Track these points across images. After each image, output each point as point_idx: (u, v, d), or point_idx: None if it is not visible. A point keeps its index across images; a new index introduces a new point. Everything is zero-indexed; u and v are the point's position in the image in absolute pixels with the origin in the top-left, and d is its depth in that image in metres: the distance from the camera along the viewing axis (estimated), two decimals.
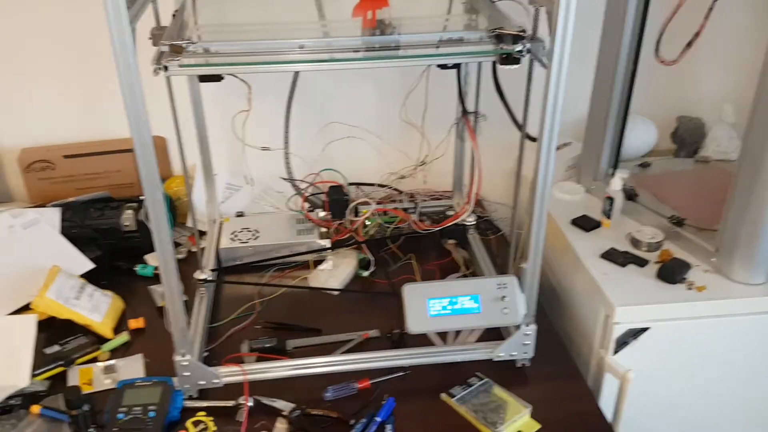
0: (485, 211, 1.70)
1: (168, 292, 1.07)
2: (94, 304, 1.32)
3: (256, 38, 1.02)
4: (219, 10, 1.21)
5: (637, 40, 1.40)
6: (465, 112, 1.40)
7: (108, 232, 1.48)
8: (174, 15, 1.13)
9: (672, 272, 1.29)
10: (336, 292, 1.42)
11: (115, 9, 0.84)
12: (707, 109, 1.76)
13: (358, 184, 1.74)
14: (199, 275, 1.36)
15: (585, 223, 1.46)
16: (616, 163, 1.57)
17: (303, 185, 1.62)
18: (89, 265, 1.41)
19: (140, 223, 1.49)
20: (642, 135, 1.69)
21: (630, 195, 1.48)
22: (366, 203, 1.60)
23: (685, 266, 1.30)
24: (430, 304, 1.13)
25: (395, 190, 1.73)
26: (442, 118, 1.55)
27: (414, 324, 1.12)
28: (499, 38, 1.01)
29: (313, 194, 1.63)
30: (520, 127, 1.20)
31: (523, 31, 1.01)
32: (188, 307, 1.33)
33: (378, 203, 1.63)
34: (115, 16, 0.84)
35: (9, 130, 1.64)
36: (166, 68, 0.96)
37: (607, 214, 1.45)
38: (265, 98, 1.52)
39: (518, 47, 1.00)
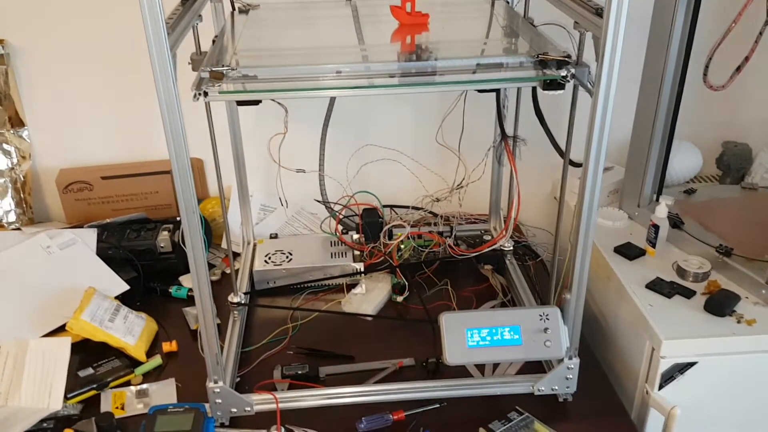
0: (523, 236, 1.66)
1: (202, 319, 1.06)
2: (128, 327, 1.31)
3: (294, 63, 1.01)
4: (258, 33, 1.21)
5: (683, 63, 1.36)
6: (504, 136, 1.37)
7: (143, 254, 1.48)
8: (214, 40, 1.13)
9: (720, 305, 1.23)
10: (369, 318, 1.40)
11: (156, 35, 0.83)
12: (754, 134, 1.70)
13: (392, 207, 1.73)
14: (233, 298, 1.34)
15: (629, 251, 1.41)
16: (660, 189, 1.52)
17: (337, 207, 1.61)
18: (124, 287, 1.41)
19: (176, 244, 1.49)
20: (687, 160, 1.64)
21: (675, 223, 1.43)
22: (400, 226, 1.58)
23: (734, 298, 1.25)
24: (469, 335, 1.09)
25: (430, 213, 1.70)
26: (479, 140, 1.52)
27: (452, 355, 1.09)
28: (543, 63, 0.98)
29: (346, 216, 1.62)
30: (563, 153, 1.17)
31: (569, 56, 0.98)
32: (221, 330, 1.32)
33: (413, 226, 1.60)
34: (156, 43, 0.84)
35: (48, 151, 1.66)
36: (206, 94, 0.96)
37: (652, 243, 1.40)
38: (301, 121, 1.52)
39: (563, 72, 0.98)
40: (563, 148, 1.17)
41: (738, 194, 1.59)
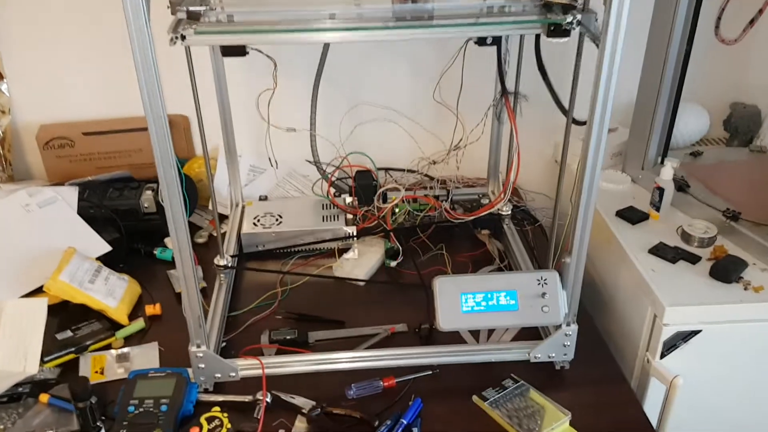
0: (521, 201, 1.60)
1: (183, 279, 1.01)
2: (109, 289, 1.26)
3: (282, 5, 0.94)
4: None
5: (693, 15, 1.28)
6: (505, 92, 1.30)
7: (127, 214, 1.42)
8: None
9: (726, 271, 1.18)
10: (362, 283, 1.35)
11: None
12: (764, 95, 1.63)
13: (387, 169, 1.66)
14: (219, 261, 1.29)
15: (631, 215, 1.35)
16: (665, 151, 1.46)
17: (329, 169, 1.55)
18: (106, 248, 1.35)
19: (160, 204, 1.43)
20: (693, 122, 1.57)
21: (680, 186, 1.38)
22: (395, 189, 1.52)
23: (741, 264, 1.20)
24: (464, 300, 1.04)
25: (426, 176, 1.64)
26: (479, 99, 1.45)
27: (445, 321, 1.04)
28: (548, 7, 0.91)
29: (339, 179, 1.56)
30: (565, 110, 1.11)
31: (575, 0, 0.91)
32: (207, 294, 1.27)
33: (408, 189, 1.54)
34: None
35: (27, 106, 1.58)
36: (183, 37, 0.89)
37: (656, 206, 1.34)
38: (292, 76, 1.45)
39: (568, 18, 0.91)
40: (566, 105, 1.10)
41: (746, 157, 1.53)
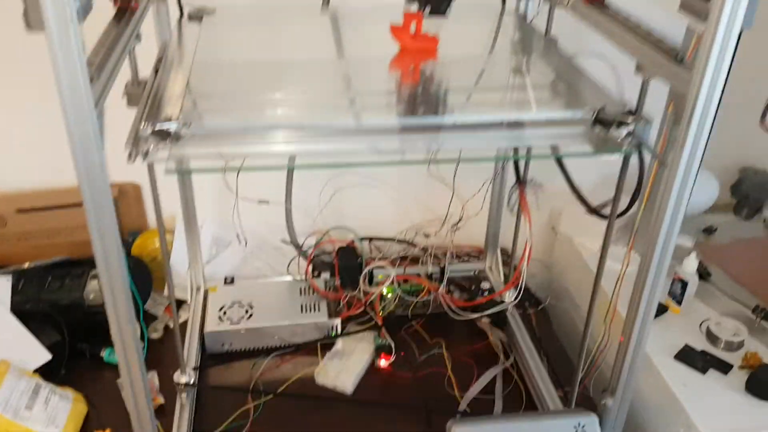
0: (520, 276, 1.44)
1: (134, 413, 0.81)
2: (50, 414, 1.04)
3: (262, 120, 0.76)
4: (212, 55, 0.93)
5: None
6: (520, 183, 1.14)
7: (69, 308, 1.20)
8: (157, 69, 0.84)
9: (765, 386, 1.05)
10: (349, 392, 1.17)
11: (74, 91, 0.57)
12: None
13: (371, 239, 1.48)
14: (180, 378, 1.08)
15: None
16: None
17: (308, 242, 1.36)
18: (45, 357, 1.13)
19: None
20: (703, 191, 1.45)
21: (701, 273, 1.24)
22: (381, 267, 1.34)
23: None
24: None
25: (413, 245, 1.47)
26: (476, 169, 1.30)
27: None
28: (602, 122, 0.75)
29: (318, 255, 1.37)
30: (591, 208, 0.97)
31: (630, 111, 0.76)
32: (166, 412, 1.08)
33: (396, 262, 1.37)
34: (74, 102, 0.57)
35: None
36: (145, 154, 0.70)
37: (678, 299, 1.21)
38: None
39: (623, 131, 0.75)
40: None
41: (762, 232, 1.42)
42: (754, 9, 0.61)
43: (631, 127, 0.75)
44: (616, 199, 0.87)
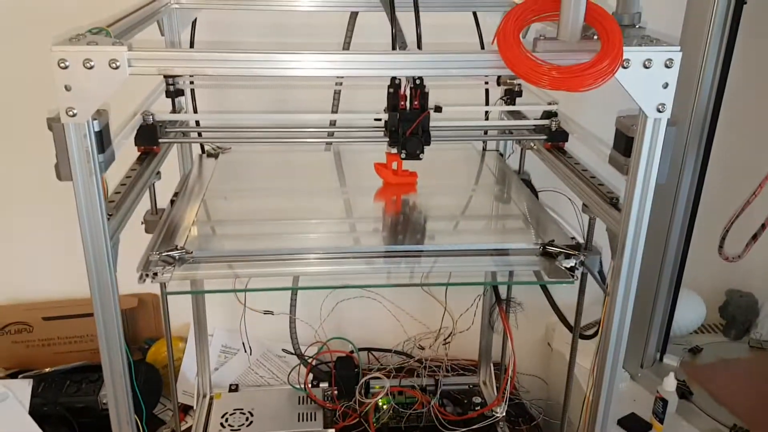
0: (515, 391, 1.50)
1: None
2: None
3: (264, 247, 0.88)
4: (225, 188, 1.08)
5: (692, 208, 1.25)
6: (499, 302, 1.23)
7: (84, 411, 1.29)
8: (173, 200, 0.98)
9: None
10: None
11: (92, 225, 0.69)
12: (759, 280, 1.59)
13: (369, 350, 1.57)
14: None
15: (634, 426, 1.26)
16: (664, 347, 1.39)
17: (308, 352, 1.44)
18: None
19: None
20: (690, 313, 1.51)
21: (683, 393, 1.29)
22: (377, 378, 1.41)
23: None
24: None
25: (410, 356, 1.54)
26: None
27: None
28: (547, 255, 0.85)
29: (318, 364, 1.45)
30: (571, 326, 1.04)
31: (578, 245, 0.86)
32: None
33: (392, 373, 1.44)
34: (92, 235, 0.70)
35: None
36: (155, 275, 0.81)
37: (659, 418, 1.25)
38: None
39: (570, 262, 0.85)
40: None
41: (746, 354, 1.46)
42: (667, 167, 0.72)
43: (580, 258, 0.85)
44: (577, 323, 0.95)
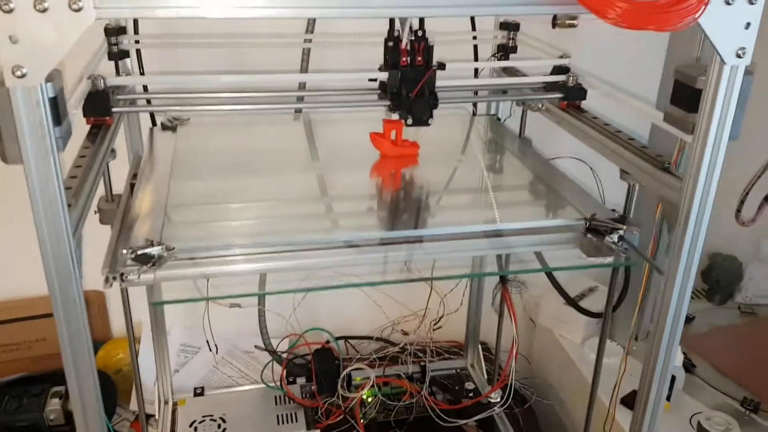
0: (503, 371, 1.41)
1: None
2: None
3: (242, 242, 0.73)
4: (189, 162, 0.91)
5: None
6: (503, 281, 1.12)
7: (27, 430, 1.12)
8: (132, 184, 0.81)
9: None
10: None
11: (52, 218, 0.53)
12: (742, 242, 1.55)
13: (346, 338, 1.44)
14: None
15: None
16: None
17: (281, 346, 1.30)
18: None
19: (70, 414, 1.13)
20: None
21: (686, 366, 1.23)
22: (360, 369, 1.29)
23: None
24: None
25: (392, 343, 1.43)
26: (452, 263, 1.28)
27: None
28: (593, 230, 0.75)
29: (293, 358, 1.31)
30: (581, 309, 0.95)
31: (622, 217, 0.75)
32: None
33: (374, 362, 1.32)
34: (51, 230, 0.54)
35: None
36: (123, 278, 0.65)
37: (667, 395, 1.18)
38: None
39: (613, 237, 0.74)
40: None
41: (738, 319, 1.43)
42: (740, 123, 0.62)
43: (621, 231, 0.75)
44: (608, 303, 0.86)
